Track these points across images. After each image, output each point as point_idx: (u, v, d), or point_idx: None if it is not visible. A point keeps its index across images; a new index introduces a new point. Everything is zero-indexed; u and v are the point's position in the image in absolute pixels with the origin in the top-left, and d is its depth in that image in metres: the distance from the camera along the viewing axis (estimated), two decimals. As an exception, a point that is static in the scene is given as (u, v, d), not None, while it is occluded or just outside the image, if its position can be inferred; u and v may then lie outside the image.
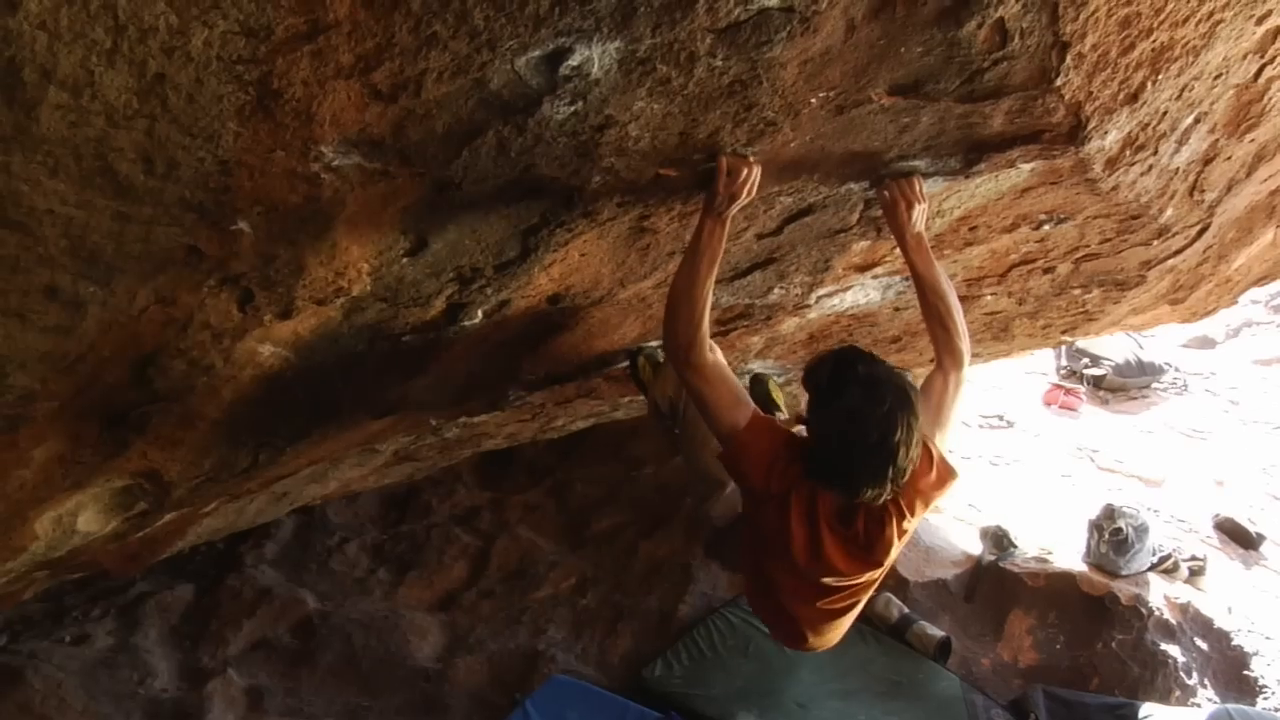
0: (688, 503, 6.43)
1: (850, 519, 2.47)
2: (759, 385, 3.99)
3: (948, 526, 6.54)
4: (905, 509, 2.47)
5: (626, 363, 3.85)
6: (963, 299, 2.86)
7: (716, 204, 2.35)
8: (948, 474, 2.58)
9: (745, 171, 2.31)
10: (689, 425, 3.35)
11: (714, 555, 6.13)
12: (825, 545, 2.45)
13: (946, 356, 2.68)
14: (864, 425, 2.23)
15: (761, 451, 2.47)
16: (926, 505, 2.55)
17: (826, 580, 2.56)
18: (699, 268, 2.41)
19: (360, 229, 2.14)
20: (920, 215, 2.70)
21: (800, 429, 2.49)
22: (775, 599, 2.79)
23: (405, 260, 2.37)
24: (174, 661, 5.38)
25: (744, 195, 2.34)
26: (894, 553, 2.56)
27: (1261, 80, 2.85)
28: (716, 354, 2.54)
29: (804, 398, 2.47)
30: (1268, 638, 5.67)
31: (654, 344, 3.74)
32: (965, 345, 2.69)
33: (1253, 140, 3.20)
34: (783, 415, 3.85)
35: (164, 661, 5.36)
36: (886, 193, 2.71)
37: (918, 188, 2.69)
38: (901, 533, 2.51)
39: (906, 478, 2.33)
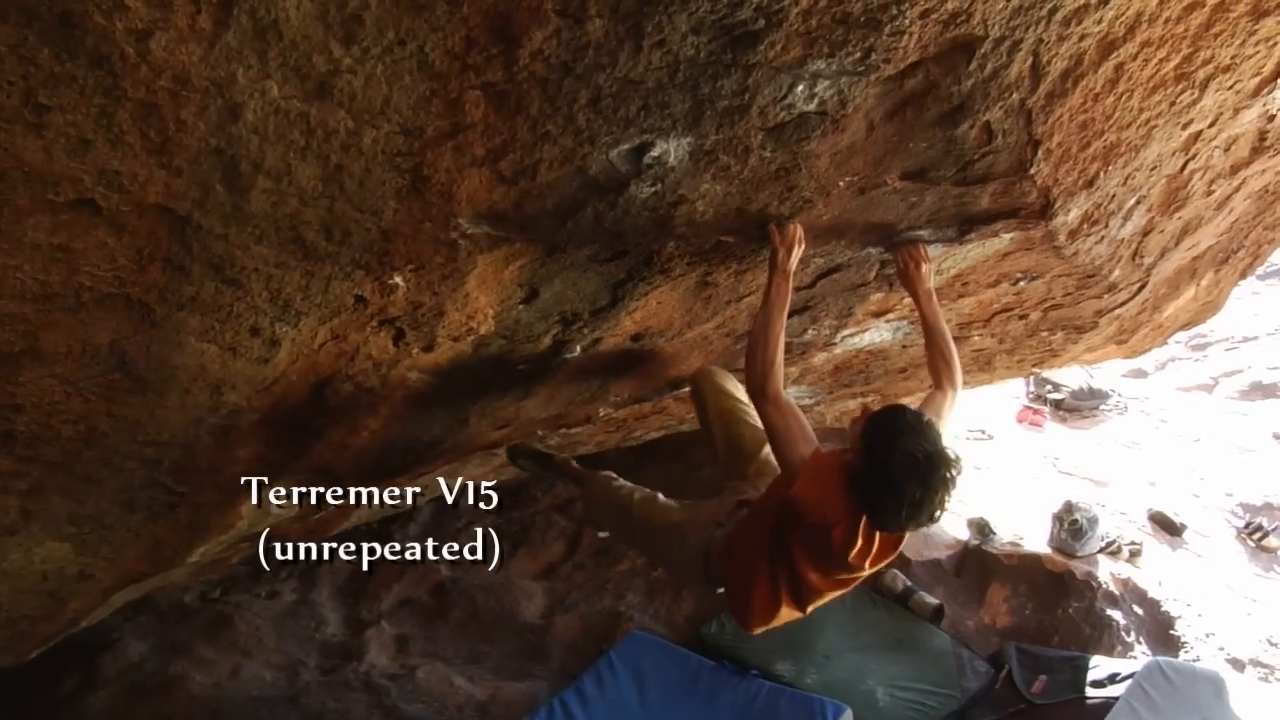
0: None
1: None
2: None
3: (942, 518, 6.46)
4: None
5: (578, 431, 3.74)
6: (955, 339, 2.79)
7: (779, 260, 2.26)
8: None
9: (792, 228, 2.25)
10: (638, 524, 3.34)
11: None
12: (876, 548, 2.28)
13: (946, 382, 2.58)
14: (914, 495, 2.10)
15: (824, 485, 2.23)
16: None
17: (863, 572, 2.38)
18: (771, 315, 2.31)
19: (487, 282, 2.13)
20: (929, 273, 2.63)
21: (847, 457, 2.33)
22: (784, 592, 2.51)
23: (521, 307, 2.36)
24: (341, 614, 5.48)
25: (797, 245, 2.26)
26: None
27: (1185, 172, 2.82)
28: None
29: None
30: (1188, 605, 5.71)
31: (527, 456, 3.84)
32: (959, 374, 2.61)
33: (1179, 218, 3.15)
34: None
35: (333, 613, 5.46)
36: (900, 256, 2.66)
37: (924, 251, 2.64)
38: None
39: None
